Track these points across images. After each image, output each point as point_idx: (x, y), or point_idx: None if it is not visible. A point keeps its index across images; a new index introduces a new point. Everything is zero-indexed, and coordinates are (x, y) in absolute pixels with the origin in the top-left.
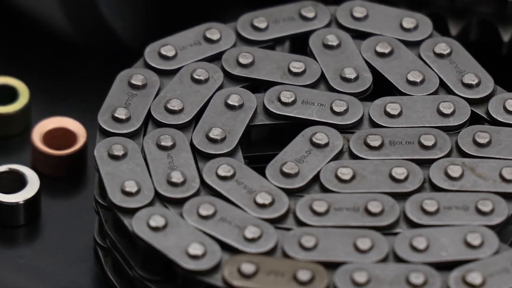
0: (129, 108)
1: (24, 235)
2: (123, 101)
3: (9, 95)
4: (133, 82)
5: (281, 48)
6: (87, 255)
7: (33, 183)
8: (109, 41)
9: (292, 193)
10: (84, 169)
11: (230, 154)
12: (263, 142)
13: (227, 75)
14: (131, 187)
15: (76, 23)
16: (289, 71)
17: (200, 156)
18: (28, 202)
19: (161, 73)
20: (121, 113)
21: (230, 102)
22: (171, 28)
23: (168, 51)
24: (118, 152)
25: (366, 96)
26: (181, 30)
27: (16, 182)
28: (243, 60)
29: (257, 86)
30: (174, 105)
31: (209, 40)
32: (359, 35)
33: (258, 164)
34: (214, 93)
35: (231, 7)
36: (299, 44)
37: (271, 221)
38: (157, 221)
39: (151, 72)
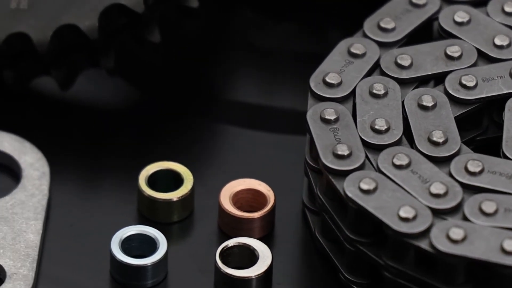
0: (342, 142)
1: None
2: (332, 138)
3: (172, 181)
4: (327, 117)
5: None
6: None
7: (265, 257)
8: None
9: None
10: (273, 226)
11: (459, 152)
12: None
13: (396, 80)
14: (408, 212)
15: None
16: (449, 57)
17: (433, 161)
18: (263, 276)
19: (335, 102)
20: (343, 149)
21: (425, 103)
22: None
23: (333, 78)
24: (370, 185)
25: None
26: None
27: (245, 256)
28: (404, 62)
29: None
30: (381, 125)
31: (357, 56)
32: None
33: None
34: (402, 101)
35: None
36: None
37: None
38: (456, 234)
39: (334, 104)
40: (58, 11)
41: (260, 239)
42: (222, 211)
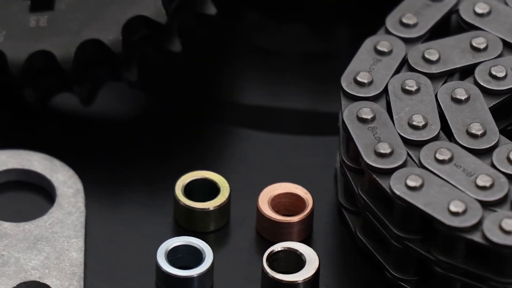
0: (383, 140)
1: None
2: (371, 137)
3: (208, 190)
4: (364, 116)
5: None
6: None
7: (312, 261)
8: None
9: None
10: (311, 230)
11: (499, 143)
12: None
13: (426, 75)
14: (458, 206)
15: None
16: (475, 49)
17: (474, 154)
18: (311, 280)
19: (369, 100)
20: (384, 148)
21: (458, 96)
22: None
23: (364, 77)
24: (417, 182)
25: None
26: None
27: (291, 261)
28: (432, 57)
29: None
30: (418, 120)
31: (384, 53)
32: None
33: None
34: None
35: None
36: None
37: None
38: (509, 225)
39: (369, 103)
40: (79, 27)
41: (299, 242)
42: (261, 216)
